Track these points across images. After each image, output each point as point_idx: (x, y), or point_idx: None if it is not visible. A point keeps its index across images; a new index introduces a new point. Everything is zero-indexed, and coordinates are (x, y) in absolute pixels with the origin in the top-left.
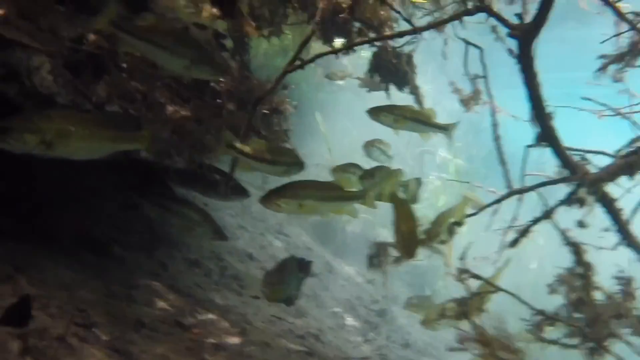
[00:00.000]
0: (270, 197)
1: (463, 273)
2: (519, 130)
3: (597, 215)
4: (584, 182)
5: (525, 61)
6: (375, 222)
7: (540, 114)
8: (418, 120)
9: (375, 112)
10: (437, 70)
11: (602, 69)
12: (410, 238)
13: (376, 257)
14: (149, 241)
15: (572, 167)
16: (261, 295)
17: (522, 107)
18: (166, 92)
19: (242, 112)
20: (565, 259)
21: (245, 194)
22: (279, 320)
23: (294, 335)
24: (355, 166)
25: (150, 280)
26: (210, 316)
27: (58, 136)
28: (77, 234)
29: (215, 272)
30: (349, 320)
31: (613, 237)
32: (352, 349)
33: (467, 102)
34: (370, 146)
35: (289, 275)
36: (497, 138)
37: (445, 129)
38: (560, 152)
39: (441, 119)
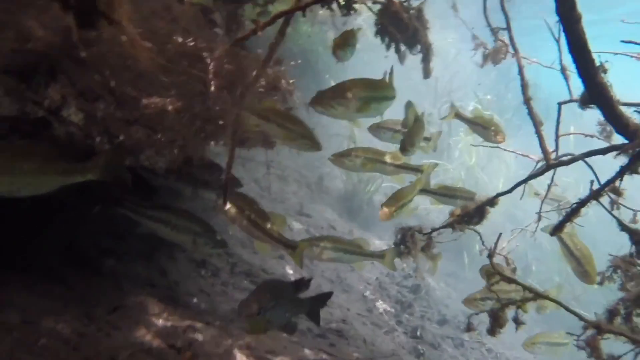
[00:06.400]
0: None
1: None
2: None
3: None
4: None
5: None
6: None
7: (584, 66)
8: None
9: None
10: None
11: None
12: None
13: (403, 243)
14: (149, 246)
15: (631, 133)
16: None
17: None
18: (139, 81)
19: (232, 96)
20: None
21: (238, 184)
22: None
23: (312, 335)
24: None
25: (143, 295)
26: (210, 332)
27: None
28: (61, 251)
29: (225, 270)
30: (380, 303)
31: None
32: (380, 340)
33: (493, 56)
34: (377, 128)
35: (271, 301)
36: (527, 100)
37: None
38: (614, 116)
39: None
